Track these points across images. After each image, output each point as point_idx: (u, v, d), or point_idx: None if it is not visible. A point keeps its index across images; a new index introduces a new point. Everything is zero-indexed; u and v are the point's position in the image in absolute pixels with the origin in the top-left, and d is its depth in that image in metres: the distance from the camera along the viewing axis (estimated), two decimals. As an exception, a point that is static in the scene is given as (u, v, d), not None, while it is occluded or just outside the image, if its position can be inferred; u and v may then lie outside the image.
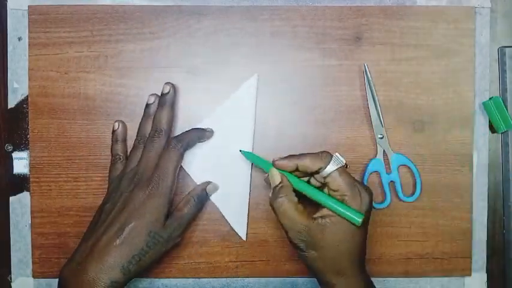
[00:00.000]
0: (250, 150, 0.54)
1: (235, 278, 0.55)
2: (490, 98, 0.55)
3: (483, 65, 0.55)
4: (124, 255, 0.46)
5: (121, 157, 0.53)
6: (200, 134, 0.52)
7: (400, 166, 0.55)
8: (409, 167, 0.55)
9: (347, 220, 0.45)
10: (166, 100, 0.52)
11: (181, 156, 0.50)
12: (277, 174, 0.48)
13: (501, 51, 0.56)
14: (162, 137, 0.50)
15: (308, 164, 0.47)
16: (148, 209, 0.47)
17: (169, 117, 0.51)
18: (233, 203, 0.54)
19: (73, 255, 0.48)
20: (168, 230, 0.48)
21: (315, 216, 0.46)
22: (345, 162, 0.47)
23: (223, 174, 0.54)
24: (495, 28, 0.56)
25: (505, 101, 0.55)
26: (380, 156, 0.54)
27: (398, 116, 0.55)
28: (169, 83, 0.52)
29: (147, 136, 0.51)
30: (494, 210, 0.56)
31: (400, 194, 0.55)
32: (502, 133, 0.56)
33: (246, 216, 0.54)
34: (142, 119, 0.53)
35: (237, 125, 0.54)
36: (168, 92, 0.52)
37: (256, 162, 0.51)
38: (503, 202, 0.56)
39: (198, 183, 0.54)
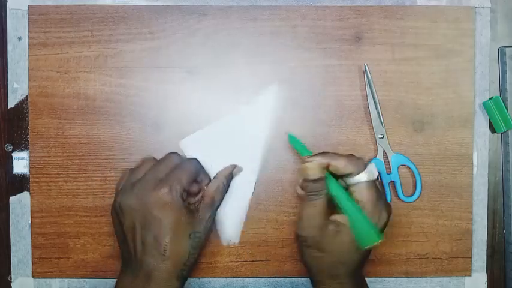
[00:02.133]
0: (254, 177, 0.54)
1: (235, 278, 0.55)
2: (490, 98, 0.55)
3: (483, 65, 0.55)
4: (176, 265, 0.46)
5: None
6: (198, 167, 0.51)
7: (400, 166, 0.55)
8: (409, 167, 0.55)
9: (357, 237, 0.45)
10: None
11: (196, 172, 0.49)
12: (316, 168, 0.46)
13: (501, 51, 0.56)
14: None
15: (341, 166, 0.46)
16: (172, 217, 0.46)
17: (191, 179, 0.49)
18: (233, 205, 0.54)
19: (124, 275, 0.47)
20: (203, 222, 0.48)
21: (331, 218, 0.47)
22: (377, 175, 0.46)
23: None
24: (495, 28, 0.56)
25: (505, 101, 0.55)
26: (380, 156, 0.54)
27: (398, 116, 0.55)
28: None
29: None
30: (494, 210, 0.56)
31: (400, 194, 0.55)
32: (502, 133, 0.56)
33: (244, 218, 0.54)
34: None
35: (252, 129, 0.54)
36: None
37: (298, 148, 0.51)
38: (503, 202, 0.56)
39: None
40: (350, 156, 0.47)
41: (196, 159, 0.51)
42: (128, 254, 0.48)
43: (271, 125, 0.54)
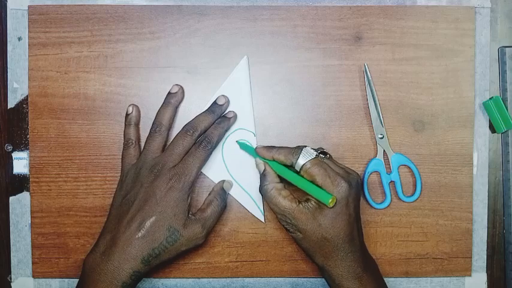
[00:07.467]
0: (253, 129, 0.54)
1: (235, 278, 0.55)
2: (490, 98, 0.55)
3: (483, 65, 0.55)
4: (145, 247, 0.48)
5: (133, 142, 0.53)
6: (227, 126, 0.53)
7: (400, 166, 0.55)
8: (409, 167, 0.55)
9: (320, 201, 0.47)
10: (172, 99, 0.53)
11: (208, 156, 0.51)
12: (260, 163, 0.51)
13: (501, 51, 0.56)
14: (163, 131, 0.52)
15: (282, 158, 0.50)
16: (168, 203, 0.48)
17: (171, 116, 0.53)
18: (245, 185, 0.54)
19: (96, 245, 0.49)
20: (188, 229, 0.49)
21: (300, 200, 0.49)
22: (315, 154, 0.48)
23: (230, 157, 0.54)
24: (495, 28, 0.56)
25: (505, 101, 0.55)
26: (380, 156, 0.54)
27: (398, 116, 0.55)
28: (178, 84, 0.53)
29: (152, 128, 0.52)
30: (494, 210, 0.56)
31: (400, 194, 0.55)
32: (502, 133, 0.56)
33: (261, 196, 0.54)
34: (161, 106, 0.53)
35: (236, 106, 0.54)
36: (176, 93, 0.53)
37: (249, 152, 0.53)
38: (503, 202, 0.56)
39: (204, 173, 0.54)
40: (287, 148, 0.50)
41: (210, 142, 0.51)
42: (112, 223, 0.49)
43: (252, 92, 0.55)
